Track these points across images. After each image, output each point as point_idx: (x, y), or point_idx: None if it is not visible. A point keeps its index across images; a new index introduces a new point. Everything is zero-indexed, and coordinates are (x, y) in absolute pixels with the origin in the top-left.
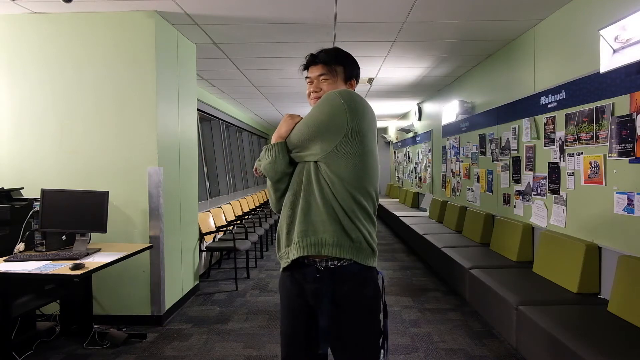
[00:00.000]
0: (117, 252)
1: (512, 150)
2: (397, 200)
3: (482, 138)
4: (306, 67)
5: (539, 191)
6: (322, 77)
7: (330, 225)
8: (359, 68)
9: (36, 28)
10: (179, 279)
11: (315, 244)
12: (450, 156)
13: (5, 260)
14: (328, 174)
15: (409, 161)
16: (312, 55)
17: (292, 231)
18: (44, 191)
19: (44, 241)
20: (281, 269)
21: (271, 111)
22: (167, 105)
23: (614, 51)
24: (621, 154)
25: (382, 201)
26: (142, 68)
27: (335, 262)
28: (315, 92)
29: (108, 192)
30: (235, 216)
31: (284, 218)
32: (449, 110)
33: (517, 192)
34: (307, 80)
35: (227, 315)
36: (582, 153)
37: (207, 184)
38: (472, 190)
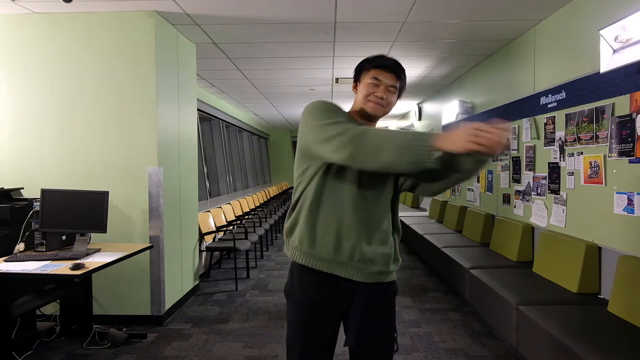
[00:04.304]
0: (117, 252)
1: (512, 150)
2: None
3: None
4: (378, 66)
5: (539, 191)
6: (391, 88)
7: (391, 257)
8: None
9: (36, 28)
10: (179, 279)
11: (376, 273)
12: None
13: (5, 260)
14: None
15: None
16: (388, 59)
17: (355, 245)
18: (44, 191)
19: (44, 241)
20: (303, 264)
21: (271, 111)
22: (167, 105)
23: (614, 51)
24: (621, 154)
25: None
26: (142, 68)
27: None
28: (381, 99)
29: (108, 192)
30: (235, 216)
31: (350, 218)
32: (449, 110)
33: (517, 192)
34: (374, 81)
35: (227, 315)
36: (582, 153)
37: (207, 184)
38: (472, 190)
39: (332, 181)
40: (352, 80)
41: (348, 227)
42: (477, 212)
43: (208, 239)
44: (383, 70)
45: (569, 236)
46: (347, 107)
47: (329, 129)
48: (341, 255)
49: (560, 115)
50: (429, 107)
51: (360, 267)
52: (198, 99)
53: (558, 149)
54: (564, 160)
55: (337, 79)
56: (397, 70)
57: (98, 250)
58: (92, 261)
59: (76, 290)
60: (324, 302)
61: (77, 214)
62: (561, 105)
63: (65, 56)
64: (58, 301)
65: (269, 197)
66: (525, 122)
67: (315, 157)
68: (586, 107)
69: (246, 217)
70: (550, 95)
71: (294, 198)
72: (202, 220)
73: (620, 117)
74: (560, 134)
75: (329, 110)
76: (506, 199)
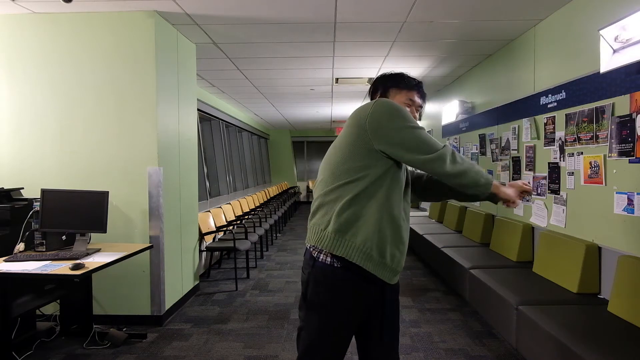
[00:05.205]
0: (117, 252)
1: (512, 150)
2: None
3: (482, 138)
4: (412, 89)
5: (539, 191)
6: (419, 108)
7: None
8: None
9: (36, 28)
10: (179, 279)
11: (398, 275)
12: None
13: (5, 260)
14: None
15: None
16: (419, 82)
17: (403, 250)
18: (44, 191)
19: (44, 241)
20: (345, 268)
21: (271, 111)
22: (167, 105)
23: (614, 51)
24: (621, 154)
25: None
26: (142, 68)
27: None
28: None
29: (108, 192)
30: (235, 216)
31: (400, 226)
32: (449, 110)
33: None
34: (409, 101)
35: (227, 315)
36: (582, 153)
37: (207, 184)
38: None
39: (395, 186)
40: (370, 90)
41: (405, 232)
42: (477, 212)
43: (208, 239)
44: (416, 93)
45: (569, 236)
46: (345, 106)
47: (427, 141)
48: (386, 257)
49: (560, 115)
50: (429, 107)
51: (396, 270)
52: (198, 99)
53: (558, 149)
54: (564, 160)
55: (337, 79)
56: (424, 92)
57: (98, 250)
58: (92, 261)
59: (76, 290)
60: (361, 306)
61: (77, 214)
62: (561, 105)
63: (65, 56)
64: (58, 301)
65: (269, 197)
66: (525, 122)
67: (392, 154)
68: (586, 107)
69: (246, 217)
70: (550, 95)
71: (348, 192)
72: (202, 220)
73: (620, 117)
74: (560, 134)
75: (408, 115)
76: None
